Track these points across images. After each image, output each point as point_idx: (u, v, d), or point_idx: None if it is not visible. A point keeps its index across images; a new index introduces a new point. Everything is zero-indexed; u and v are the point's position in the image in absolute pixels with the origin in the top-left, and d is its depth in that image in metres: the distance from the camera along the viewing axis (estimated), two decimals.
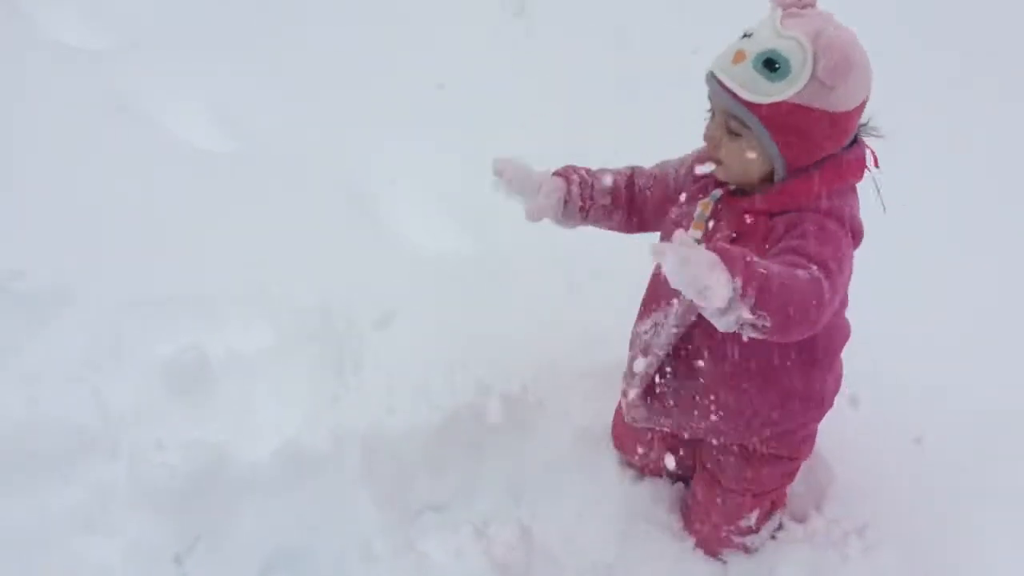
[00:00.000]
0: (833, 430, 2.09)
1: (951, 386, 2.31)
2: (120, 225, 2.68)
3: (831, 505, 2.16)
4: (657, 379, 1.85)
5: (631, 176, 1.92)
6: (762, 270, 1.43)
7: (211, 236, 2.70)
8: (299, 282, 2.53)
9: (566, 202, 1.84)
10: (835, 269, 1.56)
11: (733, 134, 1.62)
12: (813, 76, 1.53)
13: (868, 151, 1.68)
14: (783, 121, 1.56)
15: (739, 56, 1.57)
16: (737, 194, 1.71)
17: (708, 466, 2.00)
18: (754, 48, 1.56)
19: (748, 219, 1.66)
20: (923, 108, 3.06)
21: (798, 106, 1.55)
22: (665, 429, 1.95)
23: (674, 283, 1.37)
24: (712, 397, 1.79)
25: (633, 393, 1.87)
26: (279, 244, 2.69)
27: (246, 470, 2.05)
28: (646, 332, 1.83)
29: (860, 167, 1.67)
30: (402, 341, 2.41)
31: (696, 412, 1.83)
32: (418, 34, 3.95)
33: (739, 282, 1.39)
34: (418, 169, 3.10)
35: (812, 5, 1.62)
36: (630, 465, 2.19)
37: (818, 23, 1.57)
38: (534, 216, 1.81)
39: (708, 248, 1.40)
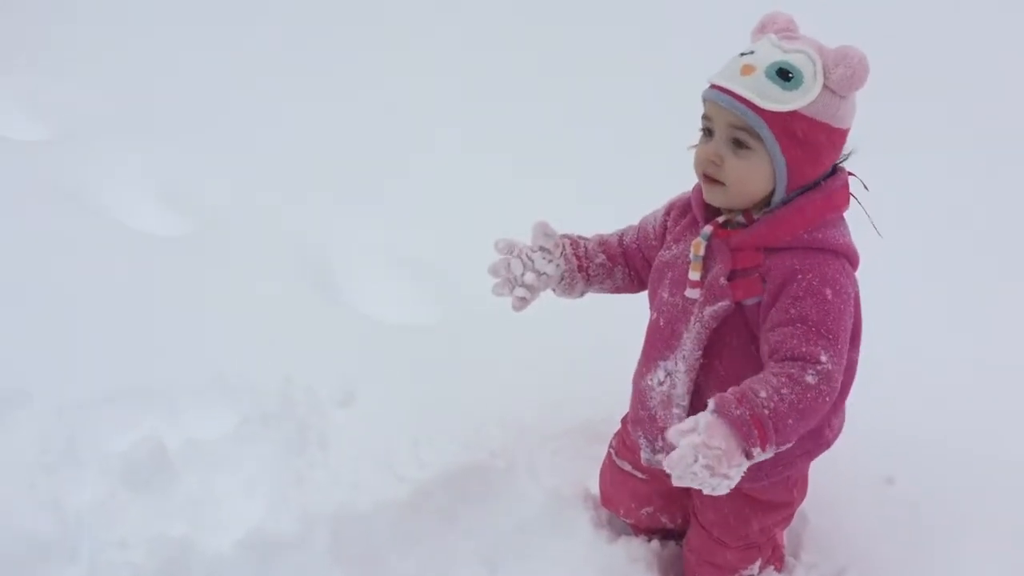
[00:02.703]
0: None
1: (922, 426, 2.33)
2: (72, 318, 2.62)
3: (808, 551, 2.15)
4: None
5: (620, 236, 1.96)
6: (769, 415, 1.51)
7: (164, 322, 2.66)
8: (258, 363, 2.49)
9: (563, 275, 1.87)
10: (839, 340, 1.59)
11: (740, 149, 1.61)
12: (825, 87, 1.57)
13: (851, 178, 1.71)
14: (793, 132, 1.57)
15: (748, 69, 1.59)
16: (728, 226, 1.70)
17: (700, 518, 1.96)
18: (763, 61, 1.59)
19: (743, 258, 1.66)
20: None
21: (807, 118, 1.57)
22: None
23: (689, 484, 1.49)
24: None
25: (662, 458, 1.78)
26: (235, 325, 2.66)
27: (213, 562, 1.99)
28: (661, 384, 1.78)
29: (847, 193, 1.70)
30: (366, 416, 2.39)
31: None
32: (376, 104, 3.98)
33: (757, 450, 1.51)
34: (375, 239, 3.10)
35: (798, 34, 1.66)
36: (613, 524, 2.16)
37: (815, 41, 1.62)
38: (515, 304, 1.85)
39: (712, 418, 1.51)
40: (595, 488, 2.19)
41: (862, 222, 1.75)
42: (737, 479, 1.50)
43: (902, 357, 2.52)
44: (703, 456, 1.47)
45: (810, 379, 1.56)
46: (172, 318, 2.68)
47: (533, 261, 1.87)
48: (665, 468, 1.51)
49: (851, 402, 2.15)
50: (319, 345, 2.61)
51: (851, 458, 2.23)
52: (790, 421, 1.54)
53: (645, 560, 2.11)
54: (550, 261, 1.88)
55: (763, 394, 1.53)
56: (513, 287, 1.86)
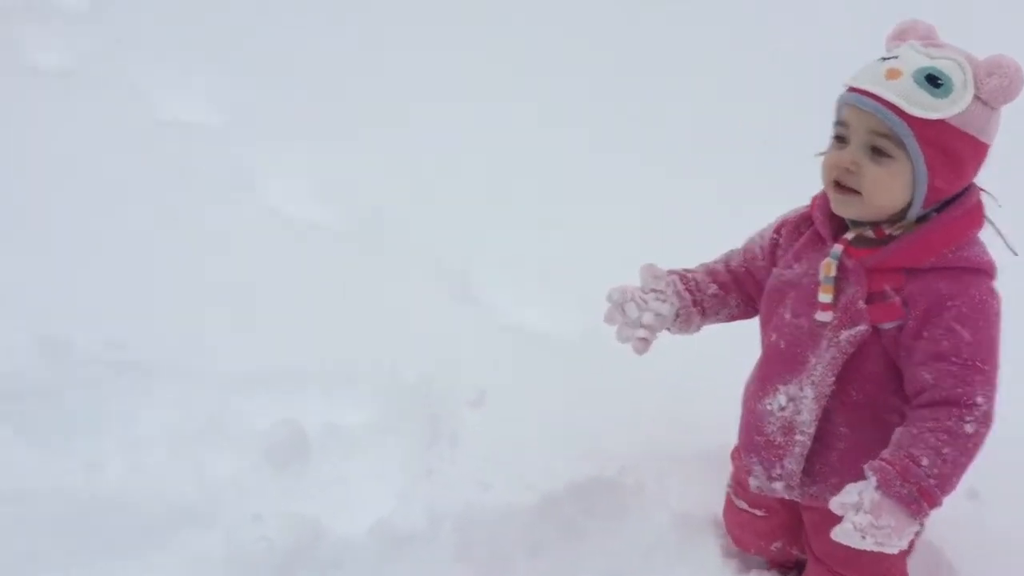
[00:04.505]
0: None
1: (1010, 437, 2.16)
2: (221, 296, 2.75)
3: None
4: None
5: (726, 262, 1.90)
6: (936, 484, 1.48)
7: (309, 309, 2.75)
8: (396, 358, 2.54)
9: (677, 312, 1.84)
10: (994, 372, 1.53)
11: (880, 157, 1.53)
12: (976, 97, 1.49)
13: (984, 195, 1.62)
14: (938, 142, 1.50)
15: (893, 73, 1.51)
16: (859, 244, 1.62)
17: (816, 550, 1.86)
18: (909, 65, 1.51)
19: (881, 279, 1.58)
20: None
21: (954, 128, 1.50)
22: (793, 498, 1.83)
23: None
24: (851, 466, 1.66)
25: (780, 486, 1.74)
26: (379, 319, 2.72)
27: (341, 545, 2.03)
28: (781, 409, 1.71)
29: (983, 212, 1.61)
30: (498, 419, 2.38)
31: (834, 481, 1.69)
32: (527, 117, 4.02)
33: (924, 519, 1.49)
34: (519, 247, 3.12)
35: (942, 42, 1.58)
36: (745, 554, 2.09)
37: (963, 50, 1.54)
38: (636, 346, 1.82)
39: (878, 497, 1.47)
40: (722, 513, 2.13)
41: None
42: (908, 541, 1.49)
43: None
44: (871, 536, 1.45)
45: (969, 428, 1.49)
46: (320, 306, 2.76)
47: (647, 303, 1.83)
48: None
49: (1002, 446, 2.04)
50: (457, 345, 2.64)
51: (1001, 511, 2.11)
52: (955, 479, 1.51)
53: None
54: (663, 301, 1.84)
55: (925, 462, 1.48)
56: (633, 330, 1.83)
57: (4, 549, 1.92)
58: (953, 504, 1.97)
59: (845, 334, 1.59)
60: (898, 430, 1.55)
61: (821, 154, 1.63)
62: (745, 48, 4.59)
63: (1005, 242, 1.63)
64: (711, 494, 2.18)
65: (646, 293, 1.85)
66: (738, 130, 3.81)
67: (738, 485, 1.96)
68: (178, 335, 2.55)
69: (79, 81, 4.15)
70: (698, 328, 1.91)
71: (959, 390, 1.50)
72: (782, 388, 1.71)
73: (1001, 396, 1.77)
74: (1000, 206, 1.63)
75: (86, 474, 2.11)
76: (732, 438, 2.24)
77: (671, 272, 1.89)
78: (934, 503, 1.49)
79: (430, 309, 2.79)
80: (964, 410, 1.50)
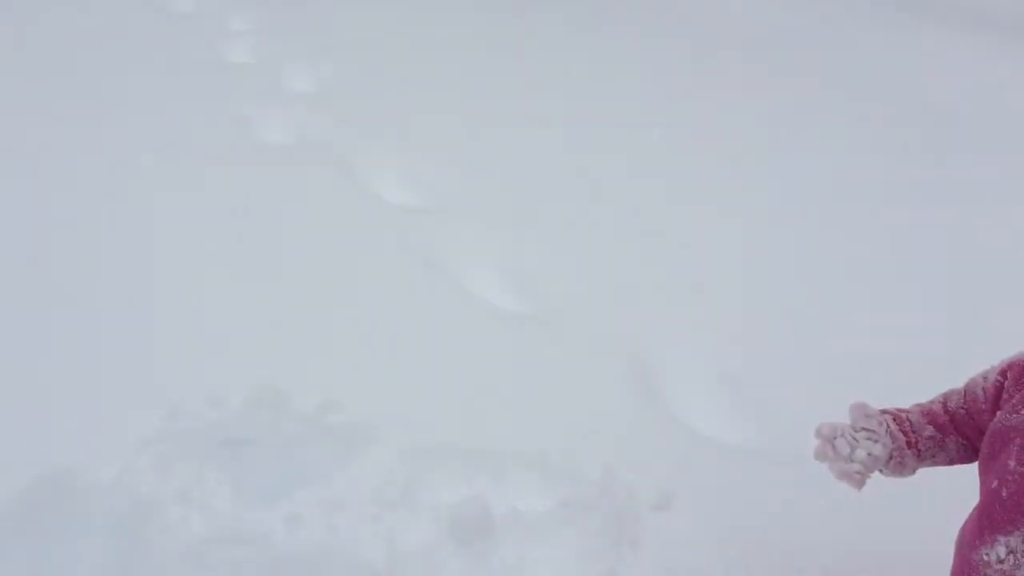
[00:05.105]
0: None
1: None
2: (420, 370, 2.88)
3: None
4: None
5: (943, 403, 1.83)
6: None
7: (498, 392, 2.82)
8: (580, 450, 2.56)
9: (891, 454, 1.78)
10: None
11: None
12: None
13: None
14: None
15: None
16: None
17: None
18: None
19: None
20: None
21: None
22: None
23: None
24: None
25: None
26: (563, 408, 2.76)
27: None
28: (1000, 561, 1.63)
29: None
30: (680, 526, 2.35)
31: None
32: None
33: None
34: (703, 347, 3.12)
35: None
36: None
37: None
38: (854, 481, 1.77)
39: None
40: None
41: None
42: None
43: None
44: None
45: None
46: (506, 389, 2.84)
47: (858, 441, 1.78)
48: None
49: None
50: (640, 445, 2.64)
51: None
52: None
53: None
54: (875, 441, 1.78)
55: None
56: (848, 464, 1.77)
57: None
58: None
59: None
60: None
61: None
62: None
63: None
64: None
65: (856, 431, 1.80)
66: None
67: None
68: (381, 402, 2.67)
69: (298, 156, 4.50)
70: (913, 471, 1.83)
71: None
72: (1002, 539, 1.61)
73: None
74: None
75: (287, 527, 2.22)
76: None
77: (884, 412, 1.83)
78: None
79: (614, 404, 2.81)
80: None
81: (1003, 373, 1.73)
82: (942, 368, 2.02)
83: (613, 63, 6.49)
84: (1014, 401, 1.66)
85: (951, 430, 1.80)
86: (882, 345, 3.11)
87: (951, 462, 1.83)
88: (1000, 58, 6.72)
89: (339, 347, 2.94)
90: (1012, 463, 1.61)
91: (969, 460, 1.81)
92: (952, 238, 4.01)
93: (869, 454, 1.77)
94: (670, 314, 3.34)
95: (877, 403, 1.87)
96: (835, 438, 1.78)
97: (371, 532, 2.23)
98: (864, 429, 1.80)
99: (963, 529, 1.73)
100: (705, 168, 4.67)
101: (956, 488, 2.00)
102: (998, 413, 1.68)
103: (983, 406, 1.74)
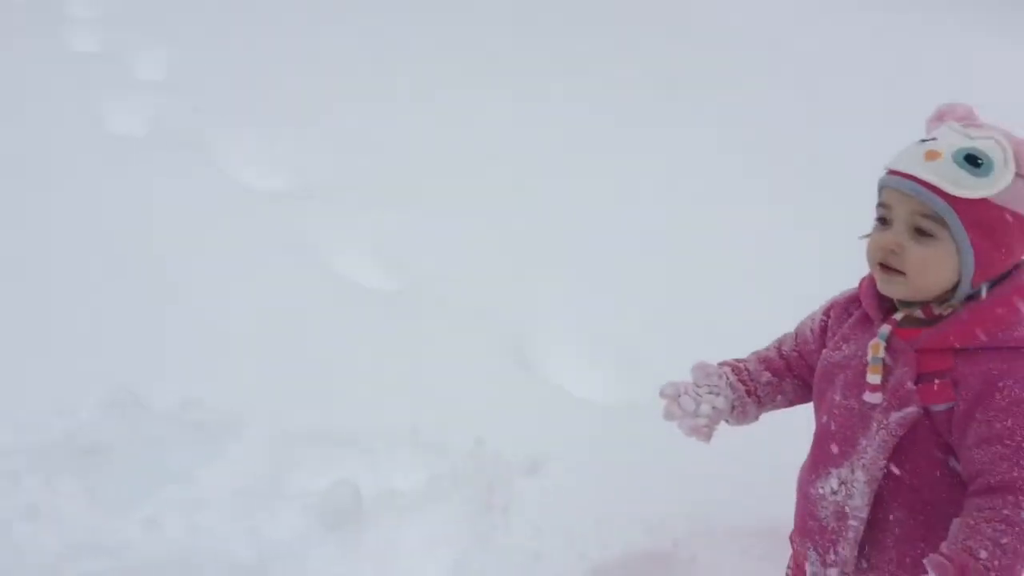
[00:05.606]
0: None
1: None
2: (284, 357, 2.82)
3: None
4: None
5: (778, 347, 1.88)
6: (995, 573, 1.41)
7: (367, 373, 2.79)
8: (452, 423, 2.56)
9: (733, 404, 1.82)
10: None
11: (923, 237, 1.52)
12: (1018, 175, 1.48)
13: None
14: (982, 221, 1.48)
15: (932, 154, 1.51)
16: (907, 325, 1.59)
17: None
18: (948, 146, 1.51)
19: (930, 360, 1.54)
20: None
21: (997, 207, 1.48)
22: None
23: None
24: (907, 552, 1.62)
25: (834, 572, 1.69)
26: (432, 383, 2.76)
27: None
28: (833, 493, 1.67)
29: None
30: (551, 487, 2.38)
31: (890, 568, 1.64)
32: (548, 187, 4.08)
33: None
34: (574, 313, 3.14)
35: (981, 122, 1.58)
36: None
37: (1002, 128, 1.53)
38: (702, 435, 1.82)
39: None
40: None
41: None
42: None
43: None
44: None
45: None
46: (375, 369, 2.81)
47: (701, 397, 1.83)
48: None
49: None
50: (510, 411, 2.66)
51: None
52: (1017, 567, 1.45)
53: None
54: (717, 394, 1.82)
55: (984, 555, 1.42)
56: (695, 419, 1.82)
57: None
58: None
59: (895, 416, 1.56)
60: (955, 521, 1.51)
61: (865, 236, 1.63)
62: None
63: None
64: (766, 572, 2.14)
65: (699, 387, 1.84)
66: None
67: (797, 568, 1.91)
68: (244, 394, 2.61)
69: (155, 146, 4.33)
70: (756, 417, 1.88)
71: (1014, 474, 1.45)
72: (834, 471, 1.67)
73: None
74: None
75: (146, 531, 2.15)
76: (788, 514, 2.21)
77: (723, 364, 1.88)
78: None
79: (485, 374, 2.82)
80: (1020, 496, 1.44)
81: (826, 312, 1.80)
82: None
83: (487, 31, 6.45)
84: (836, 338, 1.72)
85: (787, 373, 1.85)
86: (747, 308, 3.16)
87: (791, 403, 1.88)
88: None
89: (197, 341, 2.84)
90: (838, 398, 1.67)
91: (807, 400, 1.86)
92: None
93: (713, 407, 1.81)
94: (541, 283, 3.36)
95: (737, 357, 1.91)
96: (679, 396, 1.82)
97: (237, 528, 2.18)
98: (706, 385, 1.84)
99: (802, 467, 1.79)
100: (577, 139, 4.68)
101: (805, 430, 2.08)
102: (823, 351, 1.74)
103: (812, 346, 1.80)
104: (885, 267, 1.57)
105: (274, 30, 6.16)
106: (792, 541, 1.88)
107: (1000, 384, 1.49)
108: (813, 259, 3.34)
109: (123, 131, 4.54)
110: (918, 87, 5.06)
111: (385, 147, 4.45)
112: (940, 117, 1.61)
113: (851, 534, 1.63)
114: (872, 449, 1.59)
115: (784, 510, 2.19)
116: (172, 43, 5.74)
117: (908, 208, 1.53)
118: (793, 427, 2.28)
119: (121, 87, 5.06)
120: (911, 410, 1.55)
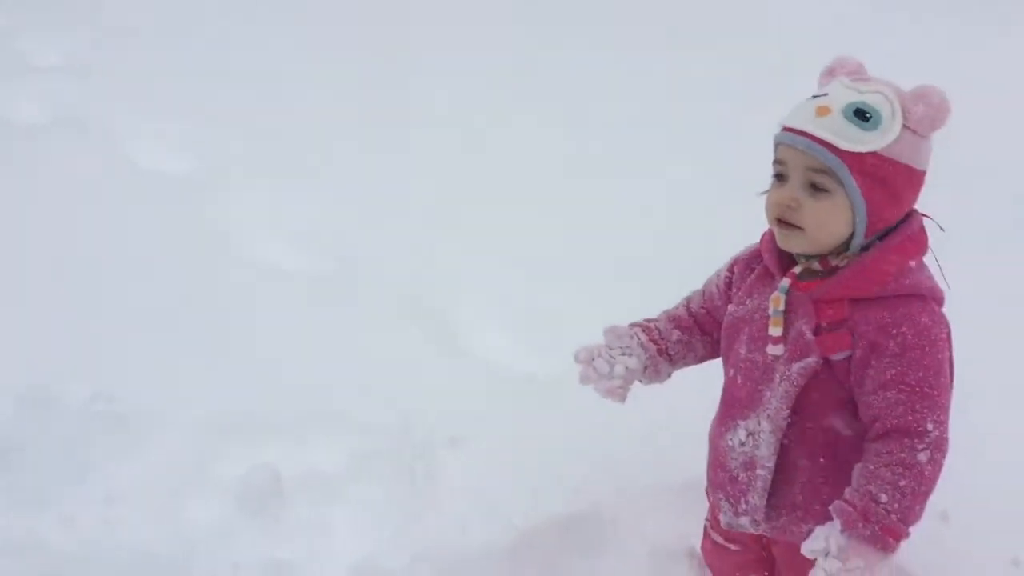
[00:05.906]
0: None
1: None
2: (201, 347, 2.77)
3: None
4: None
5: (687, 305, 1.92)
6: (898, 518, 1.49)
7: (286, 355, 2.77)
8: (373, 400, 2.57)
9: (645, 364, 1.86)
10: (943, 398, 1.54)
11: (818, 192, 1.57)
12: (905, 127, 1.54)
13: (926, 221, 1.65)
14: (872, 173, 1.53)
15: (823, 110, 1.55)
16: (806, 277, 1.65)
17: None
18: (838, 102, 1.55)
19: (827, 310, 1.60)
20: None
21: (886, 159, 1.53)
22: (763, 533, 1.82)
23: None
24: (814, 498, 1.68)
25: (746, 520, 1.74)
26: (353, 362, 2.74)
27: None
28: (742, 444, 1.72)
29: (925, 237, 1.64)
30: (475, 460, 2.41)
31: (798, 514, 1.70)
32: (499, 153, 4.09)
33: (894, 552, 1.49)
34: (496, 289, 3.16)
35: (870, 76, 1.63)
36: None
37: (890, 82, 1.59)
38: (617, 396, 1.85)
39: (843, 540, 1.49)
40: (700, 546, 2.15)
41: None
42: (887, 572, 1.50)
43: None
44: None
45: (922, 457, 1.51)
46: (294, 351, 2.78)
47: (614, 359, 1.86)
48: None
49: (975, 479, 2.07)
50: (432, 386, 2.66)
51: (977, 537, 2.14)
52: (917, 507, 1.52)
53: None
54: (630, 355, 1.86)
55: (884, 498, 1.50)
56: (609, 381, 1.85)
57: None
58: (924, 526, 2.03)
59: (796, 366, 1.62)
60: (856, 466, 1.57)
61: (763, 193, 1.68)
62: None
63: (940, 273, 1.66)
64: (686, 526, 2.19)
65: (612, 350, 1.87)
66: None
67: (713, 519, 1.98)
68: (158, 385, 2.57)
69: (55, 132, 4.19)
70: (668, 375, 1.93)
71: (908, 418, 1.52)
72: (741, 423, 1.73)
73: (970, 420, 1.81)
74: (943, 230, 1.66)
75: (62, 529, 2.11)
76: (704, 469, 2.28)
77: (633, 325, 1.91)
78: (900, 537, 1.50)
79: (407, 351, 2.81)
80: (915, 439, 1.52)
81: (731, 268, 1.84)
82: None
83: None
84: (740, 293, 1.77)
85: (696, 331, 1.89)
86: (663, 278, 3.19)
87: (702, 359, 1.93)
88: None
89: (110, 335, 2.76)
90: (743, 351, 1.72)
91: (718, 355, 1.91)
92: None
93: (626, 368, 1.84)
94: (462, 260, 3.34)
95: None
96: (593, 360, 1.85)
97: (154, 520, 2.15)
98: (618, 347, 1.87)
99: (712, 421, 1.84)
100: (499, 117, 4.64)
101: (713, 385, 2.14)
102: (728, 307, 1.79)
103: (718, 302, 1.84)
104: (783, 222, 1.61)
105: (176, 17, 5.95)
106: (707, 494, 1.94)
107: (893, 331, 1.55)
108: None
109: (19, 116, 4.37)
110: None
111: (301, 128, 4.33)
112: (831, 72, 1.66)
113: (759, 483, 1.68)
114: (776, 400, 1.64)
115: (702, 465, 2.27)
116: (67, 27, 5.53)
117: (802, 164, 1.57)
118: (710, 383, 2.37)
119: (17, 72, 4.86)
120: (811, 360, 1.60)
